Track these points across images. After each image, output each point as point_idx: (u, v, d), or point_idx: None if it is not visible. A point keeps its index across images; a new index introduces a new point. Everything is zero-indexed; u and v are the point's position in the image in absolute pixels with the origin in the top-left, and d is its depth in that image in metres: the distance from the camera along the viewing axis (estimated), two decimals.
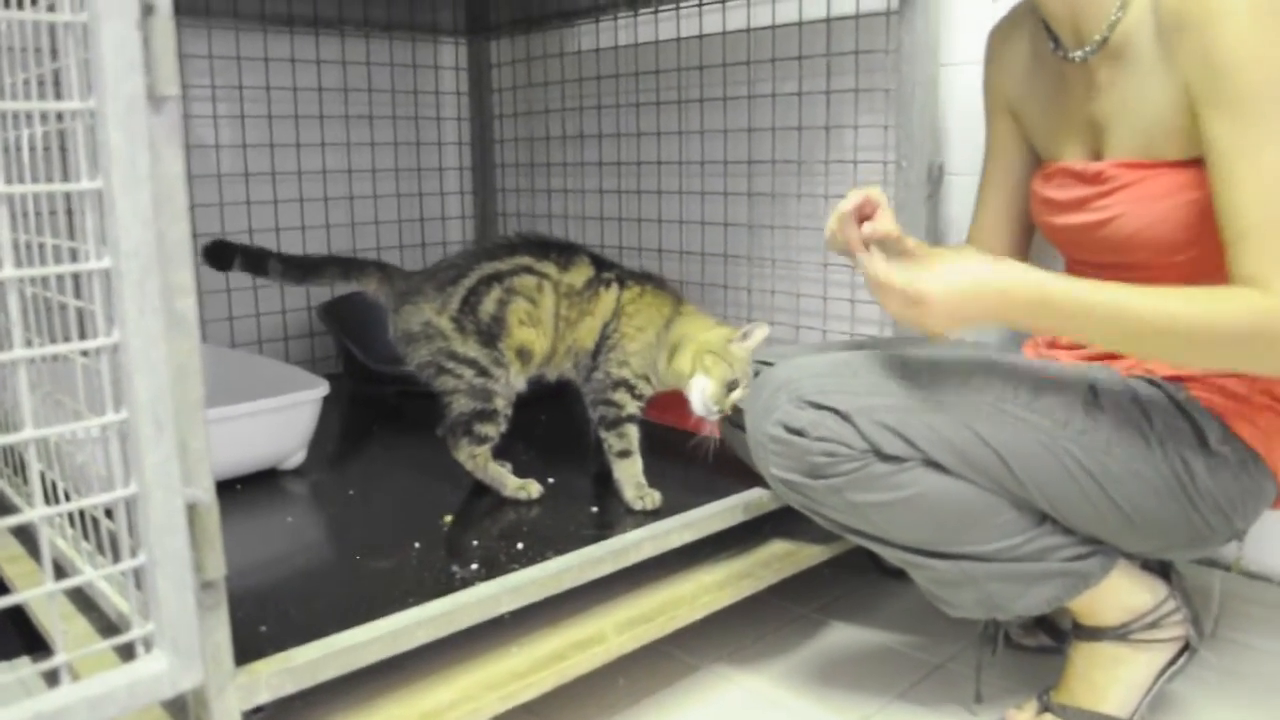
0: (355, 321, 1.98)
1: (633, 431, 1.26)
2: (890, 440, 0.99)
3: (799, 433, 1.01)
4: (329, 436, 1.56)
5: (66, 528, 0.95)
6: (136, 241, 0.67)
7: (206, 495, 0.76)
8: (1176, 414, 1.02)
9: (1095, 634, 1.10)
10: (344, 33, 2.09)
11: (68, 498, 0.86)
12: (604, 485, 1.29)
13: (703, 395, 1.20)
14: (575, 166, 2.12)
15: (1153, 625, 1.09)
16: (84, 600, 1.01)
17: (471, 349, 1.24)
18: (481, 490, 1.31)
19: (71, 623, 1.01)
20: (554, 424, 1.64)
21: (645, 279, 1.30)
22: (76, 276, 0.70)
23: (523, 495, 1.27)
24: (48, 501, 0.83)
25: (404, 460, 1.51)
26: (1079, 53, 1.07)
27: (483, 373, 1.24)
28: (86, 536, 0.87)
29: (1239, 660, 1.29)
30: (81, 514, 0.89)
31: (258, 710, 0.87)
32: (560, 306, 1.25)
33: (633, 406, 1.26)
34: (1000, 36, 1.25)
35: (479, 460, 1.26)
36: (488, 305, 1.24)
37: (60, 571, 0.89)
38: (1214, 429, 1.01)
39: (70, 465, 0.93)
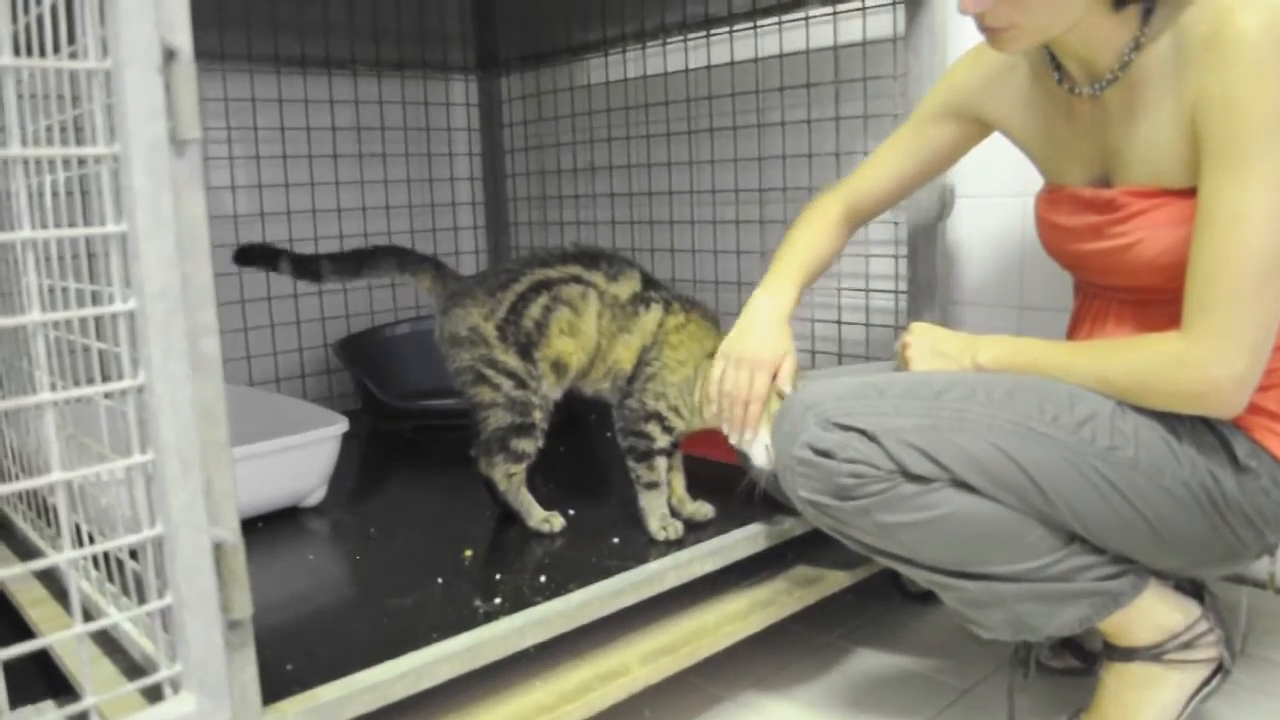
0: (372, 358, 2.00)
1: (661, 464, 1.25)
2: (918, 460, 0.99)
3: (826, 454, 1.01)
4: (348, 473, 1.57)
5: (91, 570, 0.95)
6: (162, 284, 0.67)
7: (232, 535, 0.76)
8: (1203, 429, 1.01)
9: (1128, 654, 1.09)
10: (356, 72, 2.11)
11: (91, 540, 0.87)
12: (624, 515, 1.29)
13: (768, 453, 1.17)
14: (587, 199, 2.14)
15: (1186, 645, 1.07)
16: (109, 643, 1.01)
17: (511, 359, 1.23)
18: (501, 525, 1.30)
19: (96, 665, 1.01)
20: (573, 456, 1.64)
21: (691, 307, 1.28)
22: (99, 319, 0.71)
23: (546, 529, 1.27)
24: (74, 544, 0.83)
25: (423, 496, 1.51)
26: (1088, 89, 1.07)
27: (521, 384, 1.23)
28: (111, 579, 0.87)
29: (1270, 679, 1.28)
30: (106, 556, 0.89)
31: None
32: (603, 317, 1.24)
33: (663, 440, 1.25)
34: (995, 61, 1.20)
35: (515, 480, 1.26)
36: (533, 311, 1.23)
37: (85, 614, 0.89)
38: (1241, 443, 1.01)
39: (94, 508, 0.94)
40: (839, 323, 1.70)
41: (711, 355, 1.24)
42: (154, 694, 0.75)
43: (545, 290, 1.24)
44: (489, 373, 1.24)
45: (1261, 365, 0.95)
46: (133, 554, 0.81)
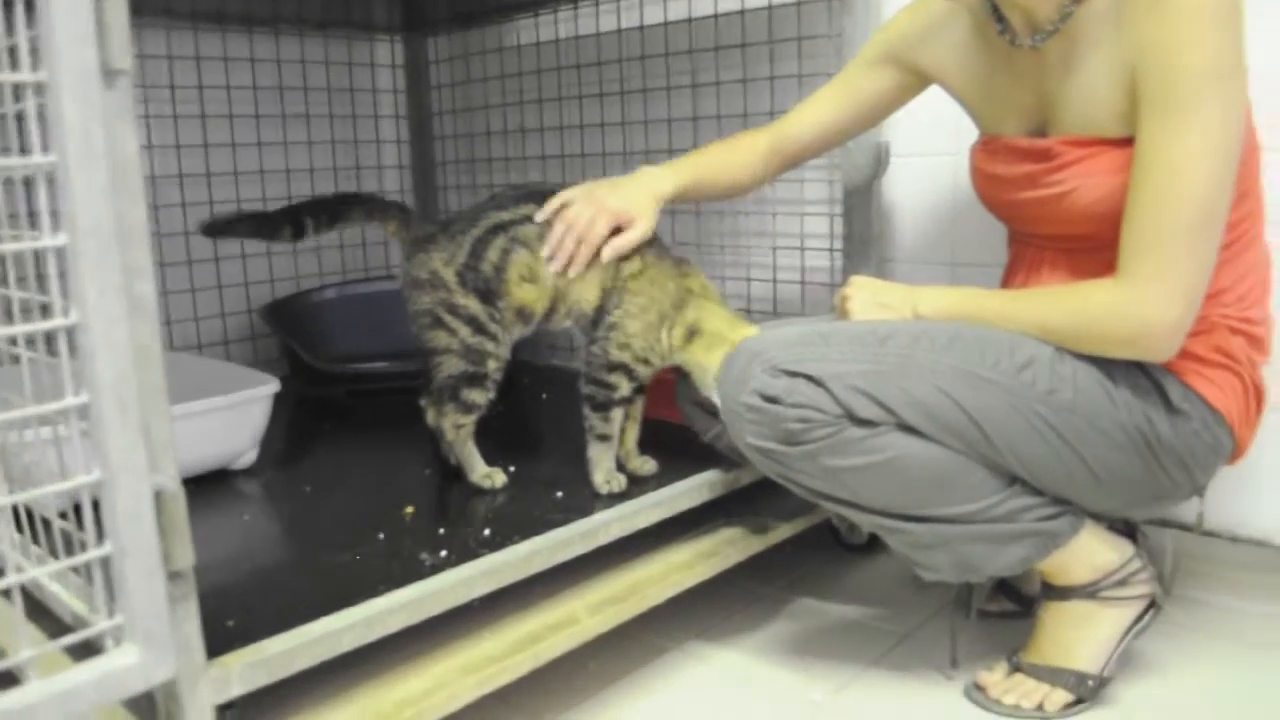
0: (300, 323, 1.95)
1: (618, 416, 1.23)
2: (864, 404, 1.00)
3: (774, 400, 1.02)
4: (278, 437, 1.53)
5: (14, 534, 0.91)
6: (95, 218, 0.64)
7: (172, 482, 0.74)
8: (1138, 373, 1.05)
9: (1064, 593, 1.12)
10: (278, 30, 2.05)
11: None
12: (566, 472, 1.28)
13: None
14: (518, 161, 2.11)
15: (1120, 583, 1.11)
16: (35, 608, 0.97)
17: (472, 303, 1.21)
18: (442, 482, 1.29)
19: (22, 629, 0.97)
20: (512, 414, 1.63)
21: (645, 248, 1.23)
22: (19, 261, 0.68)
23: (487, 484, 1.26)
24: None
25: (357, 457, 1.49)
26: (1029, 40, 1.09)
27: (480, 330, 1.21)
28: (37, 541, 0.84)
29: (1201, 617, 1.34)
30: (30, 517, 0.85)
31: (229, 707, 0.84)
32: None
33: (626, 389, 1.22)
34: (936, 11, 1.21)
35: (463, 432, 1.24)
36: (491, 255, 1.21)
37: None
38: (1174, 387, 1.04)
39: (15, 467, 0.89)
40: (774, 281, 1.72)
41: (680, 302, 1.21)
42: (83, 652, 0.71)
43: (501, 232, 1.22)
44: (447, 318, 1.21)
45: (1195, 310, 0.99)
46: (62, 515, 0.77)
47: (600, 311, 1.22)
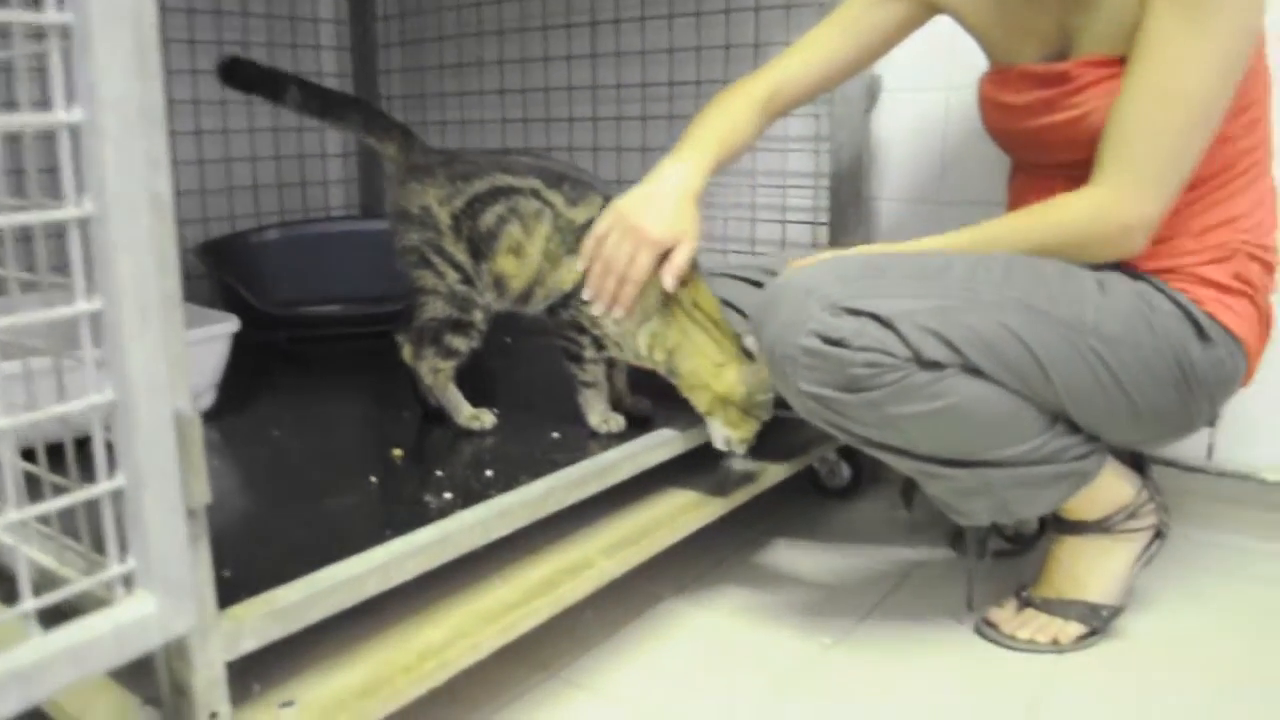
0: (241, 264, 1.82)
1: (596, 368, 1.16)
2: (933, 345, 0.95)
3: (838, 343, 0.95)
4: (230, 380, 1.42)
5: None
6: (119, 91, 0.55)
7: (189, 407, 0.65)
8: (1171, 304, 1.03)
9: (1078, 528, 1.11)
10: None
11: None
12: (558, 413, 1.21)
13: (728, 443, 1.13)
14: (473, 96, 2.00)
15: (1131, 516, 1.11)
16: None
17: (461, 253, 1.13)
18: (424, 425, 1.21)
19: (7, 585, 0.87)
20: (491, 358, 1.55)
21: None
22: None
23: (475, 425, 1.18)
24: None
25: (321, 401, 1.39)
26: None
27: (467, 280, 1.14)
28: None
29: (1210, 555, 1.35)
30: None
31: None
32: (551, 241, 1.12)
33: (591, 352, 1.15)
34: None
35: (440, 377, 1.16)
36: (488, 218, 1.12)
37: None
38: (1202, 316, 1.03)
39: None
40: (752, 220, 1.66)
41: (666, 309, 1.11)
42: (55, 616, 0.61)
43: (504, 198, 1.12)
44: (435, 260, 1.14)
45: (1167, 210, 1.01)
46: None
47: (578, 286, 1.12)
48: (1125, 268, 1.07)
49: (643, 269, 1.07)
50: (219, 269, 1.76)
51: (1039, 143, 1.12)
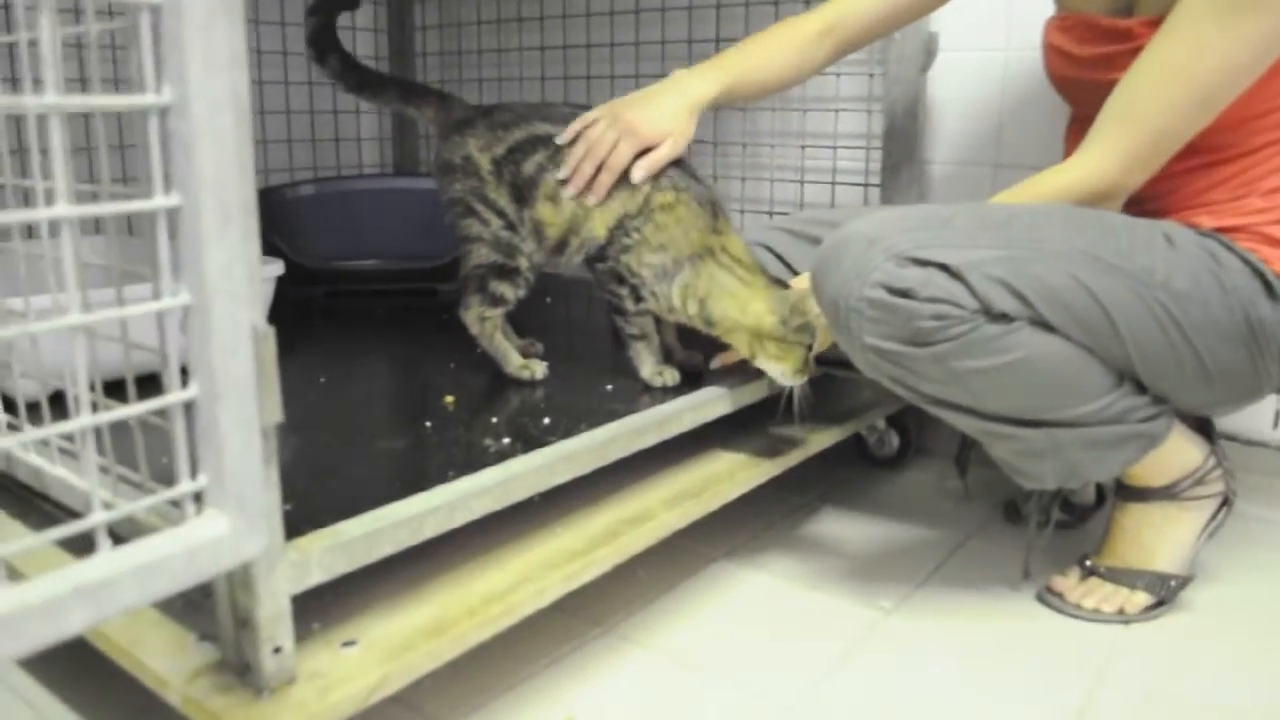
0: (276, 218, 1.78)
1: (644, 320, 1.13)
2: (1002, 296, 0.91)
3: (905, 294, 0.91)
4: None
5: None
6: None
7: (263, 321, 0.61)
8: (1239, 261, 0.99)
9: (1144, 494, 1.08)
10: None
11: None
12: (610, 367, 1.18)
13: (782, 376, 1.09)
14: (512, 53, 1.96)
15: (1198, 482, 1.07)
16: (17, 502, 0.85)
17: (503, 199, 1.11)
18: (473, 373, 1.17)
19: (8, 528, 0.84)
20: (536, 313, 1.51)
21: (686, 186, 1.09)
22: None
23: (525, 375, 1.15)
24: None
25: (364, 352, 1.35)
26: None
27: (510, 226, 1.12)
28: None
29: (1260, 531, 1.31)
30: None
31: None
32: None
33: (632, 305, 1.11)
34: None
35: (488, 325, 1.13)
36: (528, 166, 1.10)
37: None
38: (1271, 275, 0.99)
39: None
40: (801, 183, 1.62)
41: (699, 258, 1.08)
42: (84, 545, 0.58)
43: (543, 146, 1.10)
44: (479, 207, 1.12)
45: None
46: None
47: (614, 233, 1.09)
48: (1190, 224, 1.04)
49: (622, 158, 1.06)
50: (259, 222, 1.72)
51: (1097, 96, 1.08)
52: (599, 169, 1.07)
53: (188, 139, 0.53)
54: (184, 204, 0.54)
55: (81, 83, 1.25)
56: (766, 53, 1.19)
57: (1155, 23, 0.98)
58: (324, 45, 1.17)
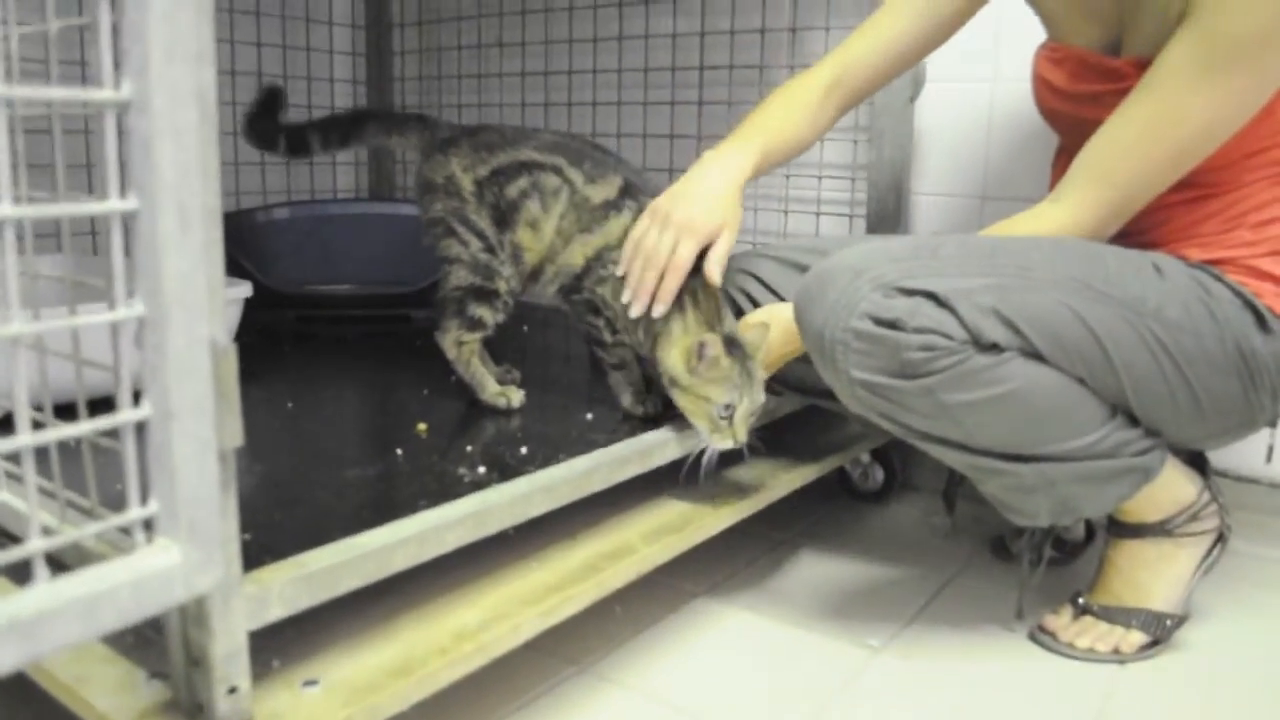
0: (248, 242, 1.74)
1: (621, 350, 1.09)
2: (992, 326, 0.89)
3: (892, 325, 0.88)
4: (238, 354, 1.34)
5: None
6: None
7: (224, 336, 0.57)
8: (1229, 293, 0.98)
9: (1138, 530, 1.05)
10: None
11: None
12: (587, 397, 1.15)
13: (704, 433, 1.00)
14: (492, 79, 1.94)
15: (1193, 518, 1.05)
16: None
17: (484, 221, 1.09)
18: (446, 401, 1.13)
19: None
20: (514, 340, 1.48)
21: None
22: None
23: (501, 403, 1.11)
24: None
25: (334, 377, 1.31)
26: None
27: (490, 249, 1.09)
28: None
29: (1253, 569, 1.29)
30: None
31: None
32: (565, 218, 1.07)
33: (609, 337, 1.08)
34: None
35: (465, 350, 1.10)
36: (511, 190, 1.08)
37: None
38: (1262, 307, 0.98)
39: None
40: (785, 212, 1.60)
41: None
42: (22, 574, 0.53)
43: (527, 173, 1.08)
44: (459, 228, 1.09)
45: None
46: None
47: (590, 265, 1.06)
48: (1179, 255, 1.02)
49: (685, 259, 1.00)
50: (226, 244, 1.68)
51: (1083, 131, 1.07)
52: (661, 277, 1.01)
53: (147, 136, 0.49)
54: (141, 207, 0.50)
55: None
56: (784, 115, 1.14)
57: (1143, 64, 0.97)
58: (266, 139, 1.18)
